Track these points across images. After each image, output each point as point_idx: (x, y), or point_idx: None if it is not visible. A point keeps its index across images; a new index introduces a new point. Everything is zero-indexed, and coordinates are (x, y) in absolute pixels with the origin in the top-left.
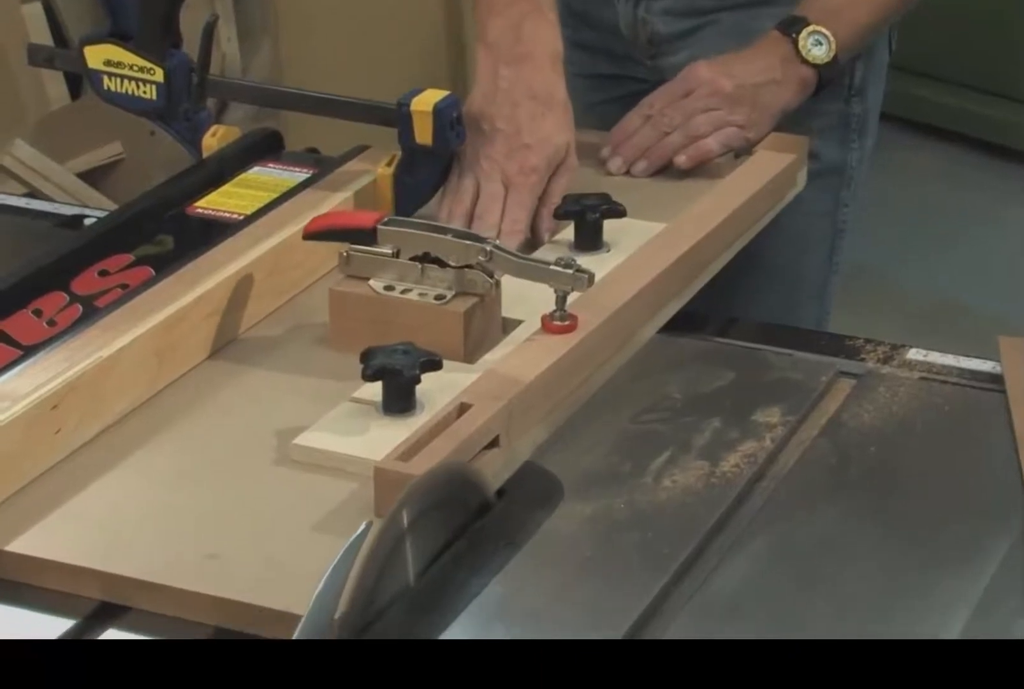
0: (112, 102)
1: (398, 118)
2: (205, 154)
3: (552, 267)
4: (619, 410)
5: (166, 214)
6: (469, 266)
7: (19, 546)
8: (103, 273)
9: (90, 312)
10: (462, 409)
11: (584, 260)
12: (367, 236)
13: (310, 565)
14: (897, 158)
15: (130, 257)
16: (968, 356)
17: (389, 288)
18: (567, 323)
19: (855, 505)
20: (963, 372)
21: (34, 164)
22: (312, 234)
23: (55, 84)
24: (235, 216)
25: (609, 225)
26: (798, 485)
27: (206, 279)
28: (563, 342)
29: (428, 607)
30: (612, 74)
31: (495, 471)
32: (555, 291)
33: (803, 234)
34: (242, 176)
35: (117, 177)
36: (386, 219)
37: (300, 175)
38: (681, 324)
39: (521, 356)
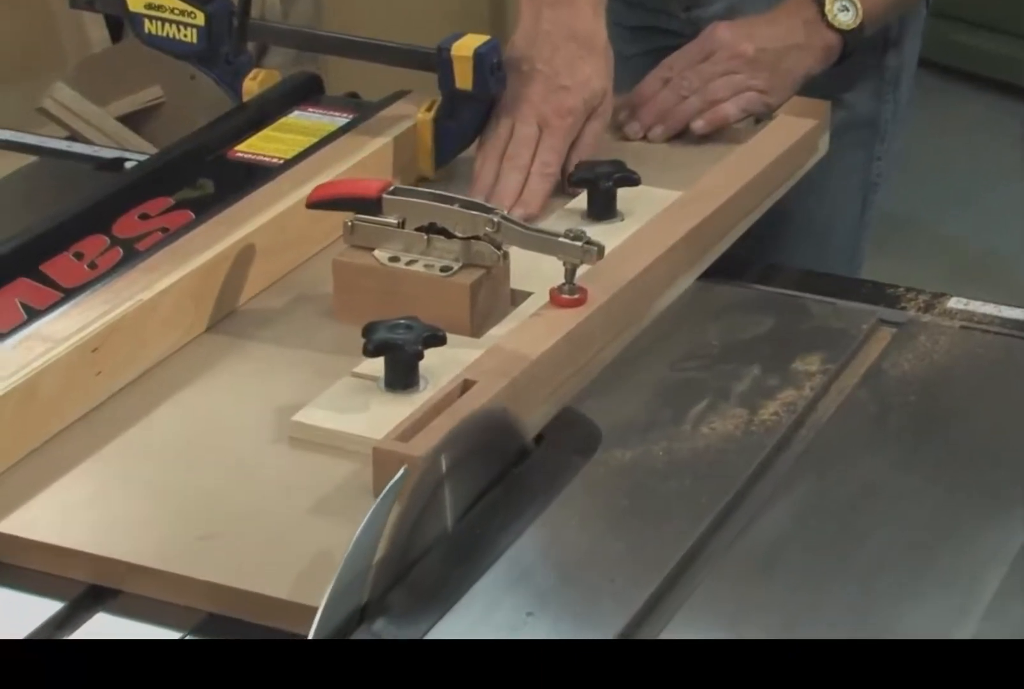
0: (153, 45)
1: (438, 63)
2: (245, 98)
3: (561, 239)
4: (658, 357)
5: (206, 158)
6: (476, 237)
7: (6, 526)
8: (144, 216)
9: (131, 255)
10: (466, 386)
11: (597, 229)
12: (372, 205)
13: (305, 549)
14: (939, 106)
15: (170, 200)
16: (1009, 305)
17: (394, 259)
18: (576, 297)
19: (894, 454)
20: (1004, 321)
21: (75, 107)
22: (316, 203)
23: (96, 27)
24: (275, 160)
25: (623, 193)
26: (837, 434)
27: (246, 223)
28: (571, 316)
29: (466, 553)
30: (647, 26)
31: None
32: (564, 264)
33: (833, 188)
34: (282, 120)
35: (157, 121)
36: (392, 188)
37: (340, 120)
38: (720, 271)
39: (528, 331)
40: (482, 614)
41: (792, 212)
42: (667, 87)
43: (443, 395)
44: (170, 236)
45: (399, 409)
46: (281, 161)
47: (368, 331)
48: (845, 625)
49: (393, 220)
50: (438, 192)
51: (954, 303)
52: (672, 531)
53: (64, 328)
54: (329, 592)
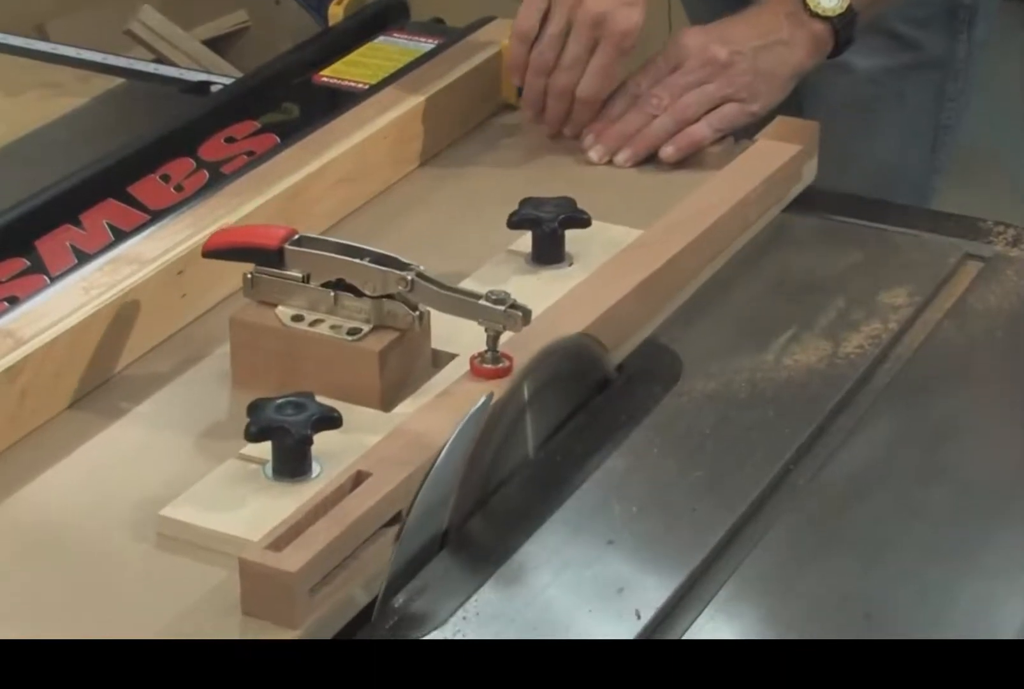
0: None
1: None
2: (331, 23)
3: (481, 302)
4: (741, 288)
5: (292, 82)
6: (389, 296)
7: None
8: (230, 140)
9: (217, 178)
10: (359, 478)
11: (541, 276)
12: (273, 257)
13: None
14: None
15: (256, 124)
16: None
17: (298, 318)
18: (499, 366)
19: (979, 390)
20: None
21: (161, 30)
22: (212, 252)
23: None
24: (360, 85)
25: (576, 232)
26: (922, 368)
27: (331, 147)
28: (491, 391)
29: (547, 480)
30: None
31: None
32: (486, 330)
33: (902, 129)
34: (367, 45)
35: (242, 45)
36: (296, 237)
37: (425, 45)
38: (805, 202)
39: (437, 410)
40: (562, 542)
41: (858, 153)
42: (634, 106)
43: (331, 491)
44: (255, 160)
45: (284, 502)
46: (366, 86)
47: (252, 410)
48: (922, 563)
49: (297, 274)
50: (348, 243)
51: None
52: (754, 462)
53: (150, 250)
54: (409, 518)
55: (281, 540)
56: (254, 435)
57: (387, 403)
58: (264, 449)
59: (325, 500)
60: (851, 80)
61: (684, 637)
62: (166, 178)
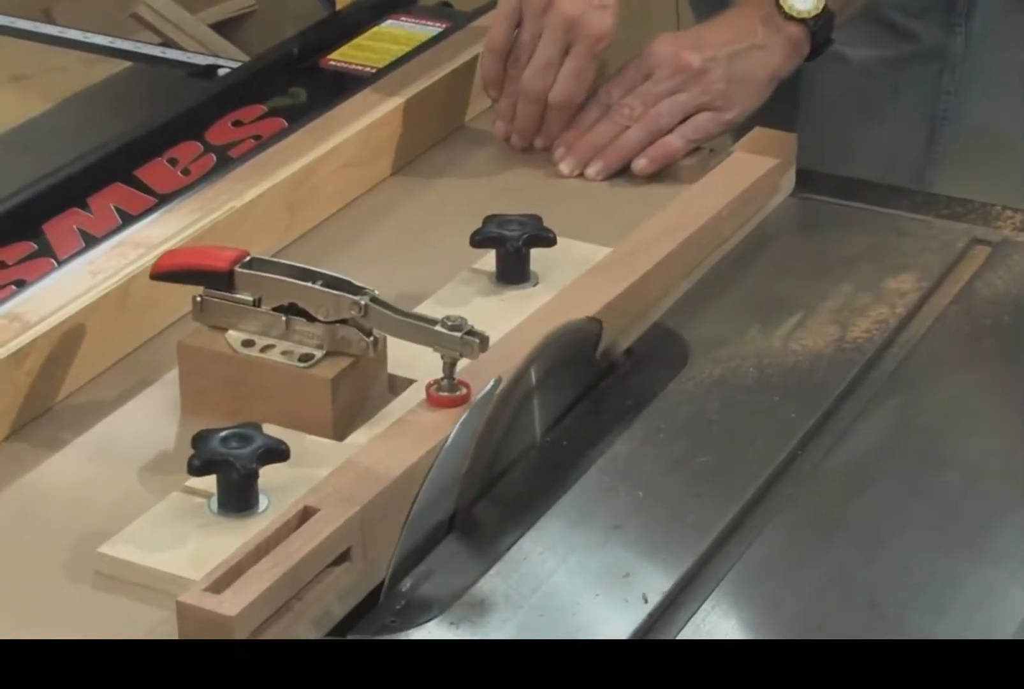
0: None
1: None
2: (338, 6)
3: (437, 328)
4: (749, 273)
5: (299, 66)
6: (343, 321)
7: None
8: (237, 123)
9: (224, 162)
10: (305, 514)
11: (504, 296)
12: (223, 280)
13: None
14: None
15: (263, 108)
16: None
17: (248, 343)
18: (456, 395)
19: (985, 375)
20: None
21: (168, 14)
22: (161, 274)
23: None
24: (367, 69)
25: (542, 250)
26: (929, 353)
27: (338, 132)
28: (448, 420)
29: (553, 465)
30: None
31: (344, 591)
32: (442, 356)
33: (898, 120)
34: (375, 29)
35: (249, 29)
36: (247, 259)
37: (432, 29)
38: (812, 187)
39: (390, 442)
40: (568, 527)
41: (855, 144)
42: (605, 116)
43: (275, 528)
44: (262, 144)
45: (229, 539)
46: (373, 70)
47: (196, 441)
48: (927, 550)
49: (248, 297)
50: (301, 266)
51: None
52: (760, 447)
53: (157, 234)
54: (417, 503)
55: (221, 581)
56: (197, 469)
57: (340, 432)
58: (210, 481)
59: (269, 538)
60: (846, 72)
61: (691, 622)
62: (173, 162)
